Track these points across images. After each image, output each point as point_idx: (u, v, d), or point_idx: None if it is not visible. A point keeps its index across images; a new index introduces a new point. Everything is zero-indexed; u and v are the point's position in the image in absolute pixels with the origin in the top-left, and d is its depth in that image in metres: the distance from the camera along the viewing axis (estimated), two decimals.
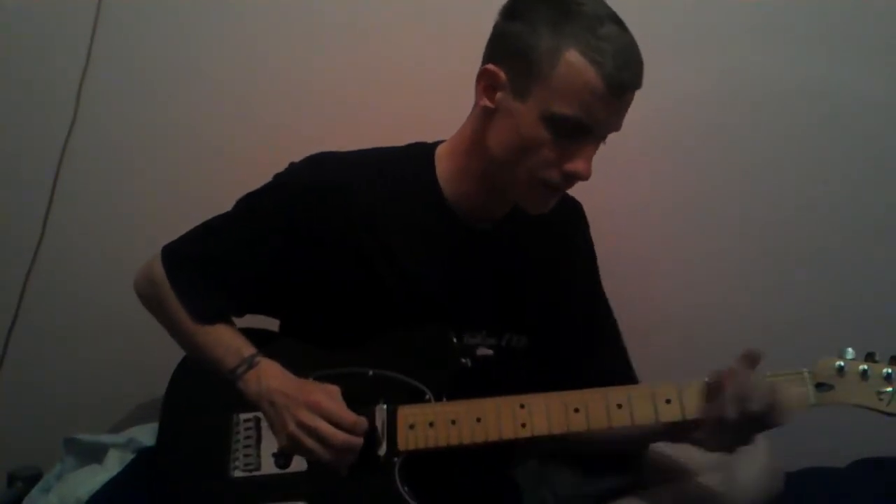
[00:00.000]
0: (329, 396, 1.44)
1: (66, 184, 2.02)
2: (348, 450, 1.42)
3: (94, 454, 1.85)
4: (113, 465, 1.80)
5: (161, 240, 1.62)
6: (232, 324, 1.59)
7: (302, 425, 1.42)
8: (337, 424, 1.41)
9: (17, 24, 1.96)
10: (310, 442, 1.41)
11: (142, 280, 1.63)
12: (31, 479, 1.89)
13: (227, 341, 1.54)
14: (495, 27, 1.42)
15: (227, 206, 1.59)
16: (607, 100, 1.32)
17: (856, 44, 2.04)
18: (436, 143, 1.57)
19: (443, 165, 1.53)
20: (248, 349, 1.52)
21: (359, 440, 1.42)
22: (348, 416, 1.42)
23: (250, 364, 1.50)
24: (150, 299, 1.63)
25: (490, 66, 1.39)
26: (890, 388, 1.29)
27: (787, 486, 1.56)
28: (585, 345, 1.65)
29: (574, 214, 1.68)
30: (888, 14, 2.02)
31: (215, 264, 1.56)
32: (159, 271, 1.58)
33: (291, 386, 1.46)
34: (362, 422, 1.43)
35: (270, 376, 1.48)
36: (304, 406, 1.42)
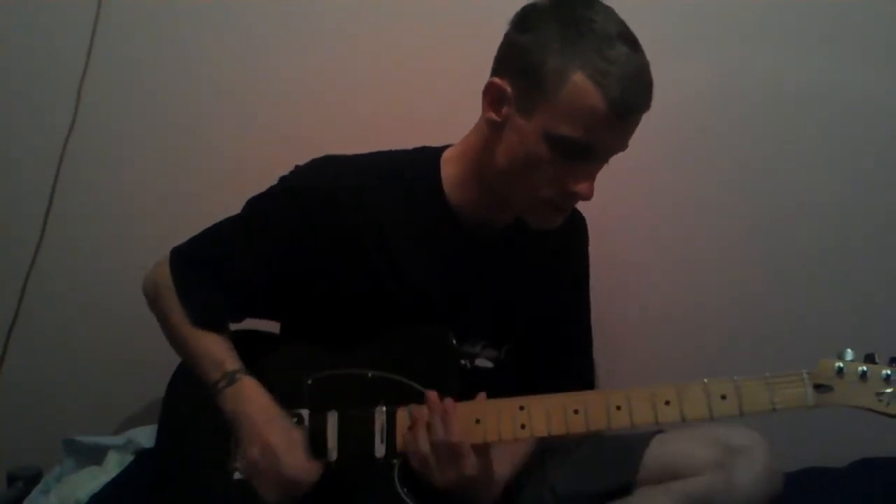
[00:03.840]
0: (288, 445, 1.44)
1: (66, 184, 2.02)
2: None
3: (94, 456, 1.85)
4: (112, 466, 1.80)
5: (161, 240, 1.63)
6: (226, 333, 1.57)
7: (250, 462, 1.44)
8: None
9: (17, 24, 1.96)
10: (256, 480, 1.44)
11: (149, 281, 1.63)
12: (31, 479, 1.88)
13: (213, 352, 1.52)
14: (505, 37, 1.41)
15: (227, 206, 1.60)
16: (612, 124, 1.32)
17: (857, 44, 2.03)
18: (443, 148, 1.56)
19: (448, 171, 1.53)
20: (231, 363, 1.51)
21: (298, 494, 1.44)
22: (295, 472, 1.43)
23: (230, 380, 1.49)
24: (153, 300, 1.62)
25: (497, 80, 1.38)
26: (889, 390, 1.29)
27: (787, 486, 1.55)
28: (554, 357, 1.67)
29: (577, 229, 1.69)
30: (889, 14, 2.02)
31: (220, 266, 1.55)
32: (165, 272, 1.58)
33: (260, 417, 1.46)
34: (311, 474, 1.44)
35: (245, 398, 1.48)
36: (258, 445, 1.43)
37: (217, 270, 1.55)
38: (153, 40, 2.00)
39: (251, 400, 1.48)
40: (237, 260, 1.55)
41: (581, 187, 1.37)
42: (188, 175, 2.04)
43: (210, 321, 1.55)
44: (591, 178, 1.38)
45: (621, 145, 1.38)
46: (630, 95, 1.31)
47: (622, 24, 1.35)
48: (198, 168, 2.03)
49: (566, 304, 1.69)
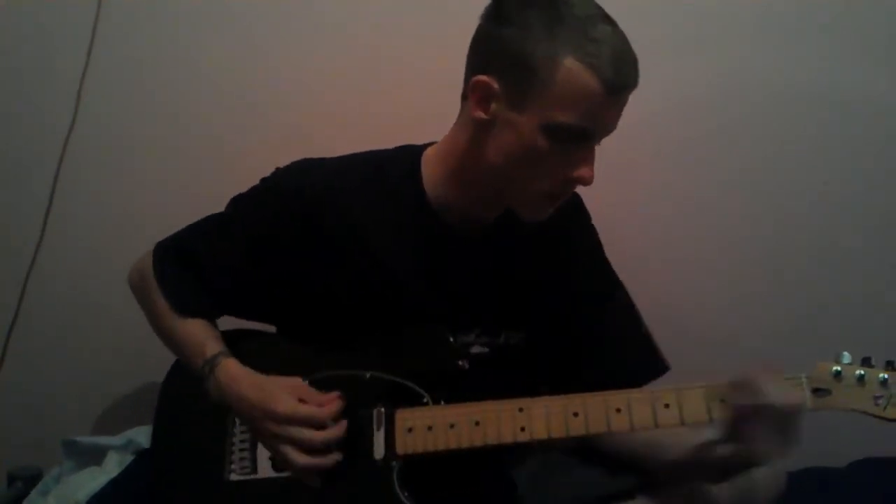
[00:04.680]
0: (293, 398, 1.43)
1: (66, 184, 2.02)
2: (332, 444, 1.42)
3: (93, 456, 1.85)
4: (112, 467, 1.80)
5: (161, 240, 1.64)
6: (210, 321, 1.58)
7: (275, 438, 1.42)
8: (312, 424, 1.41)
9: (17, 23, 1.96)
10: (290, 453, 1.41)
11: (134, 273, 1.65)
12: (31, 479, 1.88)
13: (195, 337, 1.54)
14: (481, 32, 1.39)
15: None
16: (608, 103, 1.31)
17: (857, 44, 2.03)
18: (424, 146, 1.55)
19: (430, 170, 1.51)
20: (212, 347, 1.51)
21: (340, 430, 1.42)
22: (320, 411, 1.42)
23: (212, 365, 1.49)
24: (139, 291, 1.64)
25: (482, 78, 1.35)
26: (886, 393, 1.29)
27: (787, 485, 1.56)
28: (596, 337, 1.62)
29: (571, 207, 1.63)
30: (889, 14, 2.02)
31: (200, 264, 1.56)
32: (149, 264, 1.60)
33: (254, 393, 1.45)
34: (336, 408, 1.43)
35: (230, 379, 1.48)
36: (269, 420, 1.42)
37: (198, 266, 1.56)
38: (153, 40, 2.00)
39: (236, 379, 1.48)
40: (217, 257, 1.56)
41: (583, 172, 1.36)
42: (188, 175, 2.04)
43: (192, 310, 1.56)
44: (591, 162, 1.36)
45: (614, 125, 1.37)
46: (622, 72, 1.30)
47: (597, 5, 1.34)
48: (198, 168, 2.03)
49: (585, 283, 1.64)
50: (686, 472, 1.48)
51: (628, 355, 1.61)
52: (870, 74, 2.05)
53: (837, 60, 2.05)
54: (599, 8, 1.33)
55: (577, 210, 1.67)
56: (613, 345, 1.64)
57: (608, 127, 1.36)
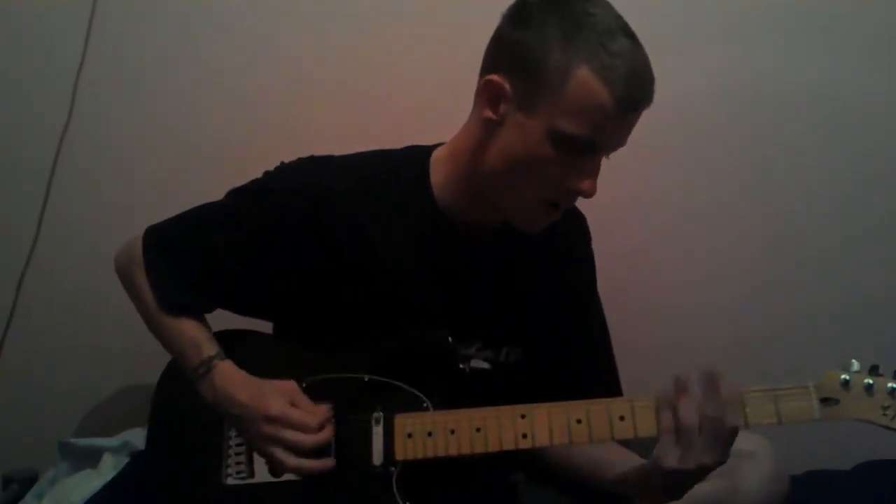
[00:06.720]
0: (285, 400, 1.42)
1: (62, 181, 2.01)
2: (321, 449, 1.41)
3: (89, 458, 1.84)
4: (107, 469, 1.80)
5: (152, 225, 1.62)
6: (201, 318, 1.56)
7: (266, 439, 1.41)
8: (302, 428, 1.40)
9: (13, 20, 1.95)
10: (280, 454, 1.41)
11: (121, 256, 1.62)
12: (28, 481, 1.88)
13: (190, 336, 1.52)
14: (499, 33, 1.37)
15: None
16: (618, 119, 1.29)
17: (857, 44, 2.04)
18: (433, 147, 1.53)
19: (438, 171, 1.50)
20: (209, 349, 1.50)
21: (327, 436, 1.41)
22: (310, 417, 1.41)
23: (208, 366, 1.47)
24: (125, 276, 1.61)
25: (495, 77, 1.34)
26: (894, 404, 1.28)
27: (793, 488, 1.55)
28: (576, 361, 1.63)
29: (576, 227, 1.64)
30: (889, 14, 2.02)
31: (193, 256, 1.54)
32: (138, 250, 1.57)
33: (246, 394, 1.44)
34: (324, 416, 1.42)
35: (226, 382, 1.46)
36: (261, 421, 1.41)
37: (189, 260, 1.54)
38: (149, 37, 2.00)
39: (232, 381, 1.46)
40: (210, 252, 1.53)
41: (583, 185, 1.34)
42: (184, 173, 2.03)
43: (179, 307, 1.53)
44: (594, 175, 1.35)
45: (623, 141, 1.35)
46: (635, 90, 1.28)
47: (620, 16, 1.32)
48: (194, 166, 2.03)
49: (577, 305, 1.65)
50: (629, 490, 1.48)
51: (596, 387, 1.53)
52: (870, 74, 2.05)
53: (837, 60, 2.05)
54: (622, 21, 1.31)
55: (581, 231, 1.67)
56: (587, 374, 1.63)
57: (616, 142, 1.34)
